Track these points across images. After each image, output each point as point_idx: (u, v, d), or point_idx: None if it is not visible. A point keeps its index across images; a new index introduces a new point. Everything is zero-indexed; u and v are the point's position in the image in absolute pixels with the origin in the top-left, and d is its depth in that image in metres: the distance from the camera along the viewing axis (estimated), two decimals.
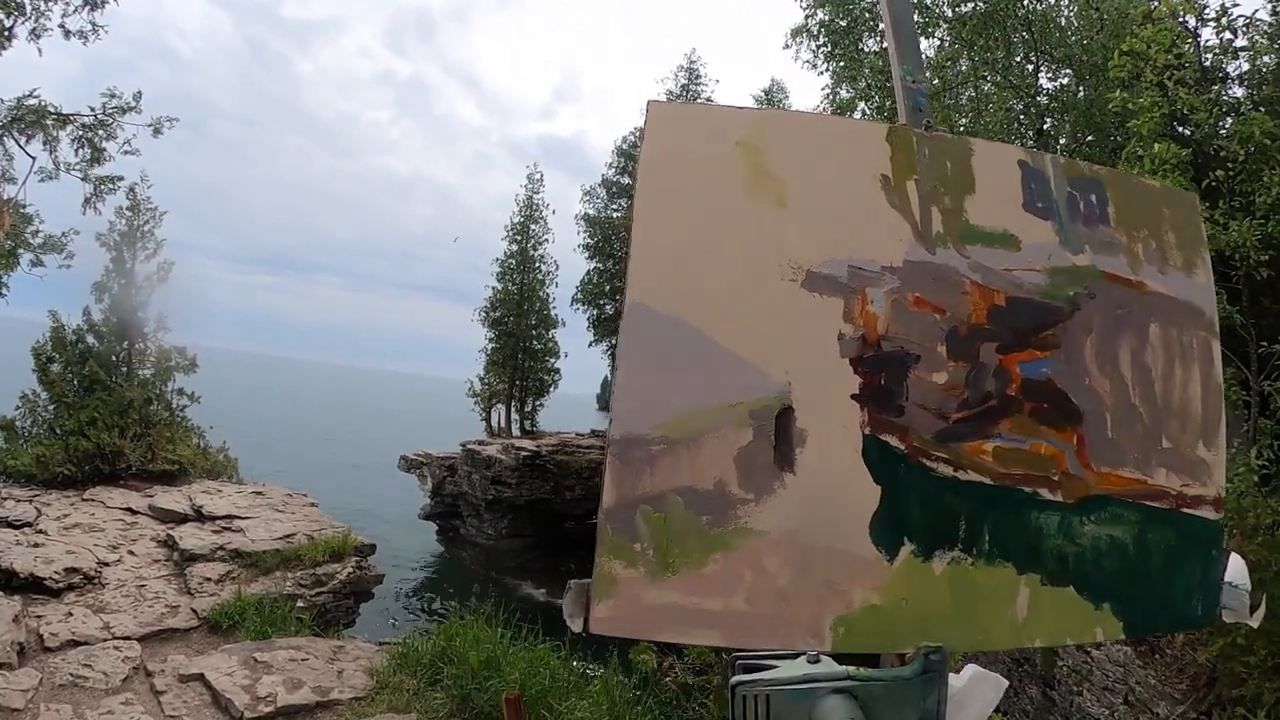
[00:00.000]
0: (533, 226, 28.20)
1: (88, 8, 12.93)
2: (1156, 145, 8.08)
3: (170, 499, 10.27)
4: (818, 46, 17.12)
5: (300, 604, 7.97)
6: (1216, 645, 6.73)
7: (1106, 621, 1.27)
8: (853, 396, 1.18)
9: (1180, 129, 9.59)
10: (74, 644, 6.33)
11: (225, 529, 9.30)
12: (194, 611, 7.33)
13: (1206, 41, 9.29)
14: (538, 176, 28.87)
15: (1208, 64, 9.26)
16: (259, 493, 11.06)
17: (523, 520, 22.52)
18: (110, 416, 11.41)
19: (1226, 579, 1.40)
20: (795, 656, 1.29)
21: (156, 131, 13.66)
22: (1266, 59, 9.62)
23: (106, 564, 8.07)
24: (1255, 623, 1.45)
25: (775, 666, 1.27)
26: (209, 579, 8.04)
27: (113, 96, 13.47)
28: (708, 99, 27.66)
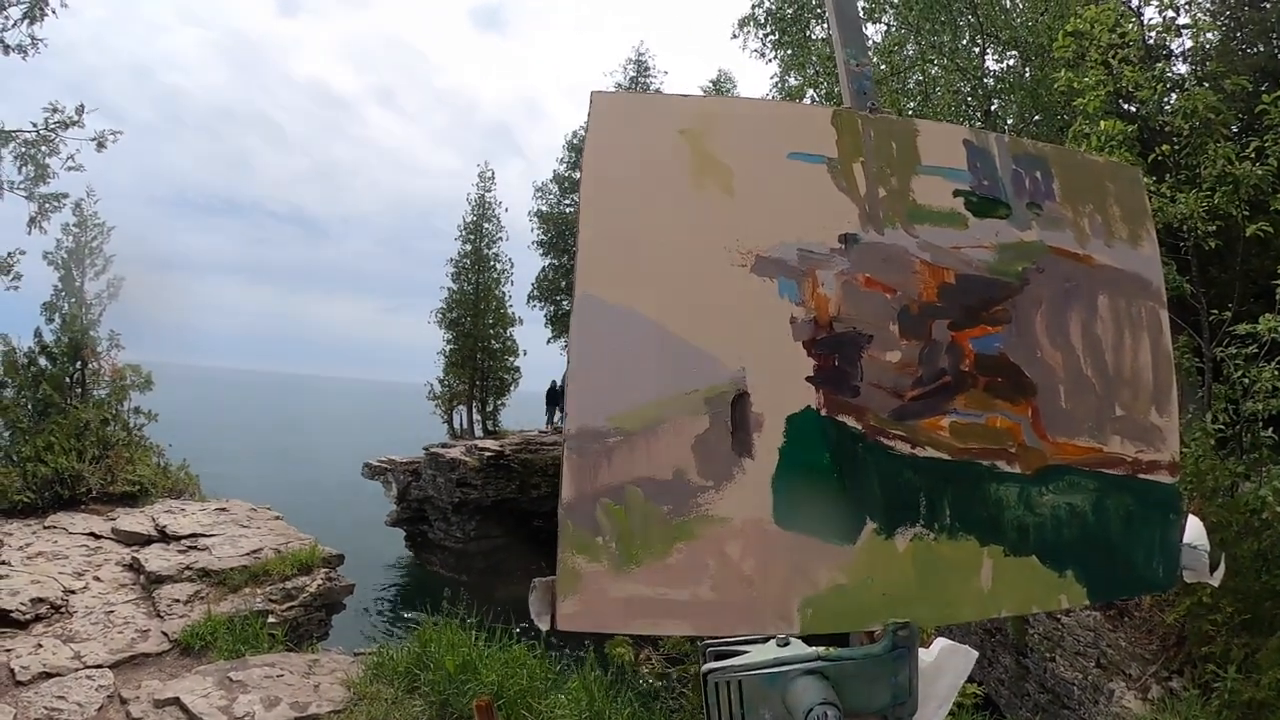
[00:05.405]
0: (485, 225, 27.90)
1: (27, 21, 12.57)
2: (1103, 122, 8.25)
3: (133, 521, 10.04)
4: (765, 35, 17.27)
5: (271, 619, 7.86)
6: (1183, 606, 6.92)
7: (1070, 588, 1.29)
8: (807, 379, 1.18)
9: (1125, 106, 9.79)
10: (46, 676, 6.19)
11: (191, 548, 9.12)
12: (165, 634, 7.19)
13: (1150, 20, 9.51)
14: (489, 174, 28.54)
15: (1151, 42, 9.46)
16: (223, 509, 10.86)
17: (491, 521, 22.35)
18: (67, 440, 11.12)
19: (1185, 540, 1.43)
20: (765, 641, 1.30)
21: (100, 146, 13.31)
22: (1209, 35, 9.87)
23: (73, 592, 7.88)
24: (1215, 582, 1.48)
25: (746, 652, 1.28)
26: (178, 600, 7.90)
27: (55, 110, 13.10)
28: (656, 91, 27.67)
